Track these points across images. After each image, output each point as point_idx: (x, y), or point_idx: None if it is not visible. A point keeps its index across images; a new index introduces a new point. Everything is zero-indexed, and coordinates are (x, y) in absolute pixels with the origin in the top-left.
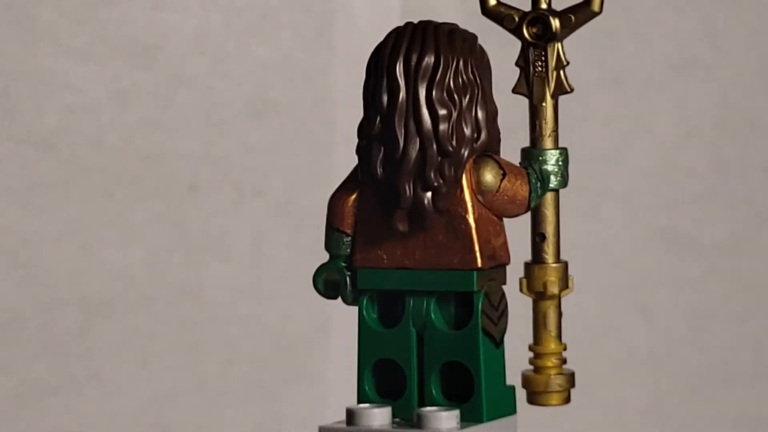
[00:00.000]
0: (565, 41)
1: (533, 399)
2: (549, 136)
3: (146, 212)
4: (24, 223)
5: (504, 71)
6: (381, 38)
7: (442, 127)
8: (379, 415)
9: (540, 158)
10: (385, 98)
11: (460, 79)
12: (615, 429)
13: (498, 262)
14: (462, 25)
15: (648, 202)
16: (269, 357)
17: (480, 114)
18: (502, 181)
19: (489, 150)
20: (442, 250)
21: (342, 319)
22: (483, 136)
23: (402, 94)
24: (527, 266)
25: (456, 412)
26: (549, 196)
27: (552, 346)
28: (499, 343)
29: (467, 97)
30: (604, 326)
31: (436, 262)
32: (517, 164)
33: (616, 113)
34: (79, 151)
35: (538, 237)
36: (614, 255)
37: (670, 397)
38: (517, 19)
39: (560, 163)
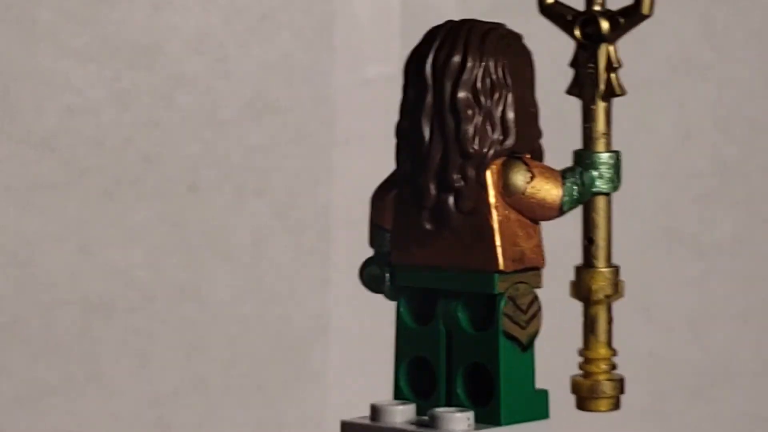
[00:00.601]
0: (565, 40)
1: (581, 404)
2: (599, 138)
3: (146, 212)
4: (24, 223)
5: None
6: (381, 38)
7: (465, 128)
8: (402, 413)
9: (588, 161)
10: (413, 97)
11: (489, 80)
12: (615, 429)
13: (527, 265)
14: None
15: (648, 202)
16: (269, 357)
17: (509, 115)
18: (529, 183)
19: (520, 152)
20: (468, 251)
21: (342, 319)
22: (511, 138)
23: (429, 94)
24: (576, 270)
25: (468, 414)
26: (598, 200)
27: (601, 351)
28: (526, 347)
29: (495, 98)
30: None
31: (462, 262)
32: (555, 167)
33: (616, 113)
34: (79, 151)
35: (586, 241)
36: (614, 255)
37: (670, 397)
38: (570, 18)
39: (609, 166)
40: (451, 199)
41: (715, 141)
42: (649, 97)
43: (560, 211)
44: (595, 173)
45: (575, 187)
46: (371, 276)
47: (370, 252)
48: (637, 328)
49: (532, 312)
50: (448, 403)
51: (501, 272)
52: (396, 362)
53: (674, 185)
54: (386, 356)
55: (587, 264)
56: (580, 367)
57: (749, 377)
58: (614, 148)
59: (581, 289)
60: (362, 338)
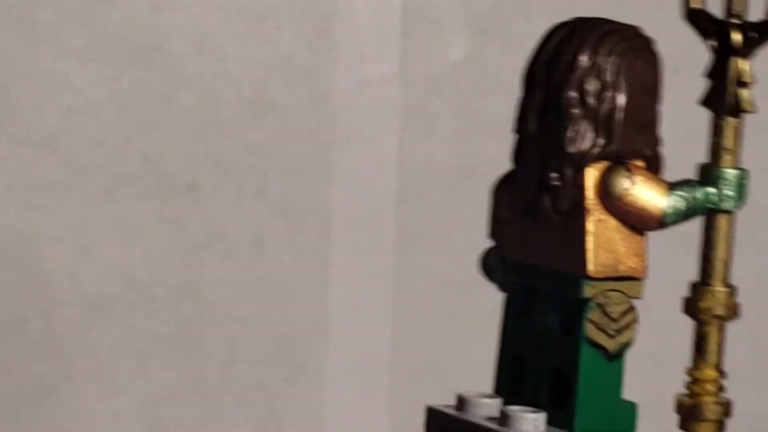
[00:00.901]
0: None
1: (683, 425)
2: (723, 154)
3: (146, 212)
4: (24, 223)
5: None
6: (381, 38)
7: (567, 127)
8: (486, 407)
9: (709, 176)
10: (526, 94)
11: (599, 80)
12: None
13: (623, 274)
14: (462, 28)
15: None
16: (269, 357)
17: (616, 119)
18: (628, 190)
19: (628, 157)
20: (562, 252)
21: (342, 319)
22: (616, 141)
23: (539, 92)
24: (691, 286)
25: (537, 416)
26: (719, 218)
27: (708, 372)
28: (614, 357)
29: (603, 99)
30: None
31: (557, 263)
32: (669, 179)
33: None
34: (79, 151)
35: (702, 258)
36: None
37: (670, 397)
38: (706, 27)
39: (730, 183)
40: (548, 198)
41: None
42: None
43: (661, 223)
44: (712, 189)
45: (683, 201)
46: (489, 266)
47: (369, 252)
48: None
49: (624, 322)
50: (534, 403)
51: (589, 277)
52: (498, 356)
53: None
54: (386, 356)
55: (702, 282)
56: (686, 386)
57: (749, 377)
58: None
59: (693, 307)
60: (362, 338)
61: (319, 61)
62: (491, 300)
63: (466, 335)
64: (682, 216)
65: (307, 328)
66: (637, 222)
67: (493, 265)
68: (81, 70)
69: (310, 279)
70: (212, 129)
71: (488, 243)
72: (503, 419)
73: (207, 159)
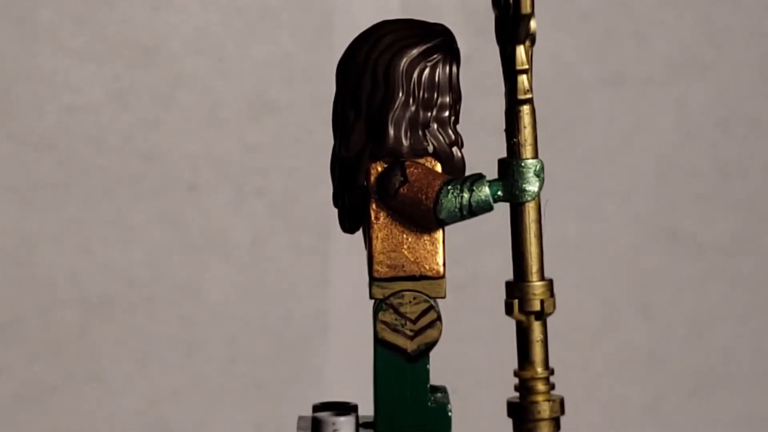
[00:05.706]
0: (566, 40)
1: (517, 428)
2: (510, 144)
3: (146, 212)
4: (24, 223)
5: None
6: None
7: (342, 131)
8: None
9: (503, 169)
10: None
11: (369, 83)
12: (615, 429)
13: (414, 273)
14: (461, 26)
15: (648, 202)
16: (269, 357)
17: (391, 118)
18: (399, 188)
19: (411, 156)
20: (368, 256)
21: (342, 319)
22: (391, 141)
23: (335, 98)
24: (506, 285)
25: (338, 419)
26: (521, 210)
27: (536, 371)
28: (413, 358)
29: (374, 101)
30: (604, 326)
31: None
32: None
33: (616, 113)
34: (79, 151)
35: (513, 253)
36: (614, 255)
37: (670, 397)
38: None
39: (522, 175)
40: (341, 203)
41: (715, 141)
42: (649, 97)
43: (438, 219)
44: (497, 183)
45: (453, 195)
46: None
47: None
48: (637, 328)
49: (424, 322)
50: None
51: (374, 278)
52: None
53: (674, 185)
54: None
55: (516, 278)
56: (516, 389)
57: (749, 377)
58: (613, 147)
59: (510, 306)
60: (362, 338)
61: (319, 61)
62: (490, 300)
63: (464, 334)
64: (459, 210)
65: (307, 328)
66: (417, 220)
67: None
68: (81, 70)
69: (310, 279)
70: (212, 129)
71: (487, 241)
72: (314, 425)
73: (207, 159)
